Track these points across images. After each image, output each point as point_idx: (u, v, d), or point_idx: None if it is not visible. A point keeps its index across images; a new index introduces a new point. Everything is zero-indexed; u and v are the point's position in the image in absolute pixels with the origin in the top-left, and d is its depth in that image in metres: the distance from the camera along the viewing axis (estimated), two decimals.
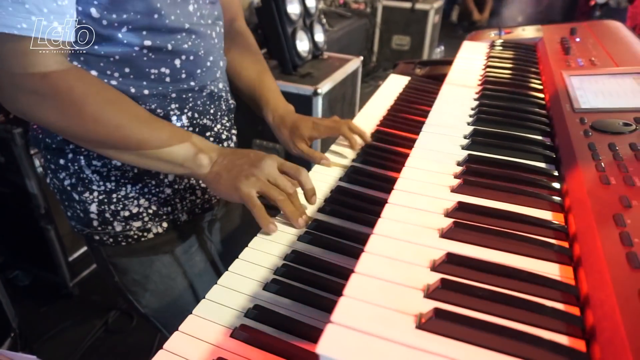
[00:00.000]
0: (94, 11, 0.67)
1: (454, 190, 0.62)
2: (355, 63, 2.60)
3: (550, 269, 0.48)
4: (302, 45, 2.34)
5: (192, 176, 0.79)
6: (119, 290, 0.95)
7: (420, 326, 0.40)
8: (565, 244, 0.51)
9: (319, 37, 2.50)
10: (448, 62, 1.58)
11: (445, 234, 0.52)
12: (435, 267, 0.47)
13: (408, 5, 4.56)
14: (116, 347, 1.89)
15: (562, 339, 0.39)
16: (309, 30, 2.41)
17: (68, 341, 1.88)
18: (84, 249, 2.03)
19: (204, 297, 0.62)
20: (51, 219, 1.85)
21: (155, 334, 1.88)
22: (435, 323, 0.39)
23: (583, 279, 0.44)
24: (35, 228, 1.85)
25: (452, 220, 0.54)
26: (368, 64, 4.55)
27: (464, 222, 0.53)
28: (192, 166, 0.73)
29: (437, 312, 0.39)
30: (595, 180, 0.55)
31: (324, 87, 2.22)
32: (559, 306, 0.42)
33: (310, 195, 0.78)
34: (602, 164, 0.58)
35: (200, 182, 0.93)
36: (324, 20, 2.98)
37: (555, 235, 0.52)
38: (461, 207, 0.56)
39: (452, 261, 0.46)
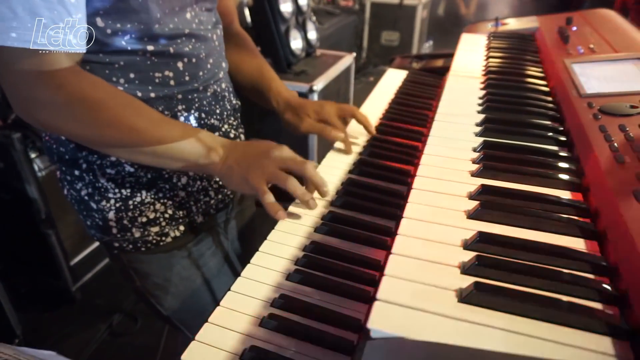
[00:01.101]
0: (99, 20, 0.70)
1: (475, 174, 0.64)
2: (348, 59, 2.62)
3: (576, 244, 0.50)
4: (296, 43, 2.35)
5: (205, 172, 0.80)
6: (141, 295, 0.96)
7: (462, 299, 0.42)
8: (588, 220, 0.53)
9: (312, 34, 2.51)
10: (443, 56, 1.61)
11: (472, 215, 0.54)
12: (467, 246, 0.49)
13: (396, 1, 4.59)
14: (122, 350, 1.88)
15: (596, 306, 0.41)
16: (302, 28, 2.42)
17: (73, 346, 1.87)
18: (86, 252, 2.03)
19: (222, 296, 0.63)
20: (52, 223, 1.84)
21: (161, 335, 1.88)
22: (477, 296, 0.41)
23: (610, 251, 0.46)
24: (36, 233, 1.84)
25: (476, 202, 0.56)
26: (358, 60, 4.57)
27: (489, 203, 0.55)
28: (205, 162, 0.74)
29: (478, 285, 0.42)
30: (611, 160, 0.58)
31: (319, 84, 2.23)
32: (589, 276, 0.45)
33: (320, 190, 0.79)
34: (615, 144, 0.61)
35: (213, 183, 0.94)
36: (314, 18, 3.00)
37: (577, 213, 0.55)
38: (485, 189, 0.58)
39: (483, 239, 0.49)
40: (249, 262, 0.70)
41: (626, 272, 0.42)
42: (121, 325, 1.96)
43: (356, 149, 0.98)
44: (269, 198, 0.72)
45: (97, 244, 2.06)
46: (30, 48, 0.61)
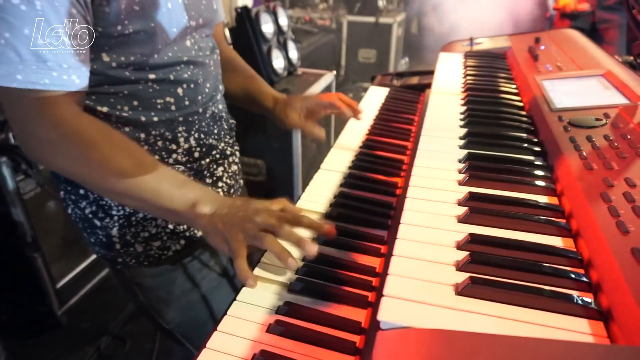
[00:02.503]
0: (104, 55, 0.74)
1: (462, 183, 0.70)
2: (329, 77, 2.70)
3: (554, 242, 0.57)
4: (278, 62, 2.41)
5: (189, 224, 0.78)
6: (144, 310, 0.99)
7: (460, 292, 0.47)
8: (563, 221, 0.60)
9: (293, 54, 2.59)
10: (421, 73, 1.70)
11: (463, 219, 0.61)
12: (460, 246, 0.55)
13: (372, 19, 4.74)
14: None
15: (573, 293, 0.48)
16: (283, 48, 2.49)
17: None
18: (72, 275, 2.01)
19: (222, 308, 0.67)
20: (38, 247, 1.82)
21: (150, 356, 1.87)
22: (472, 289, 0.47)
23: (583, 246, 0.53)
24: (21, 257, 1.81)
25: (465, 207, 0.62)
26: (337, 77, 4.68)
27: (477, 208, 0.61)
28: (189, 215, 0.72)
29: (473, 279, 0.47)
30: (581, 167, 0.65)
31: None
32: (567, 269, 0.51)
33: (324, 231, 0.73)
34: (584, 153, 0.68)
35: None
36: (293, 37, 3.09)
37: (554, 215, 0.62)
38: (472, 196, 0.65)
39: (474, 240, 0.55)
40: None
41: (598, 263, 0.48)
42: (109, 348, 1.94)
43: (346, 164, 1.04)
44: (242, 264, 0.68)
45: (82, 266, 2.05)
46: (37, 89, 0.64)
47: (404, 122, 1.21)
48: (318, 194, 0.91)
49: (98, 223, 0.88)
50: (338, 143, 1.12)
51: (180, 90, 0.84)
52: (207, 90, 0.90)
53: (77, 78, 0.68)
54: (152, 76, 0.79)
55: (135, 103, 0.80)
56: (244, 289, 0.72)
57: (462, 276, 0.50)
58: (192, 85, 0.86)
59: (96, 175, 0.71)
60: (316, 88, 2.51)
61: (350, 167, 1.02)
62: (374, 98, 1.45)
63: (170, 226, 0.91)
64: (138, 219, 0.88)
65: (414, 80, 1.62)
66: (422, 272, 0.51)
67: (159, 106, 0.82)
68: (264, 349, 0.60)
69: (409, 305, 0.46)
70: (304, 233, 0.76)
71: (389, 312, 0.45)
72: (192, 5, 0.82)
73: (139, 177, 0.71)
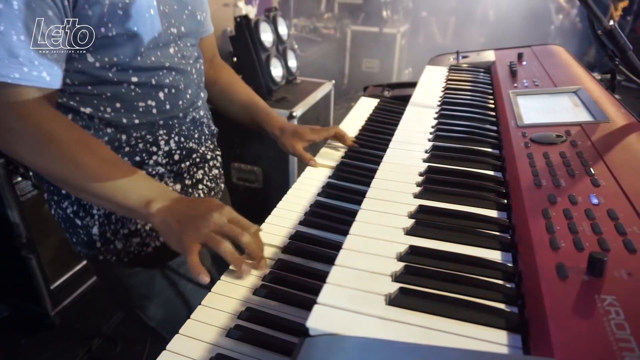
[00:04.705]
0: (89, 56, 0.78)
1: (417, 196, 0.72)
2: (327, 87, 2.73)
3: (495, 256, 0.58)
4: (276, 71, 2.45)
5: (144, 221, 0.80)
6: (126, 307, 1.02)
7: (389, 302, 0.49)
8: (507, 236, 0.62)
9: (292, 62, 2.63)
10: (413, 84, 1.72)
11: (409, 232, 0.62)
12: (400, 258, 0.57)
13: (376, 29, 4.78)
14: None
15: (500, 306, 0.49)
16: (282, 57, 2.53)
17: None
18: (66, 276, 2.04)
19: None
20: (33, 247, 1.86)
21: (141, 358, 1.89)
22: (401, 299, 0.49)
23: (519, 260, 0.54)
24: (16, 257, 1.85)
25: (414, 220, 0.64)
26: (340, 86, 4.72)
27: (424, 221, 0.63)
28: (143, 212, 0.73)
29: (402, 290, 0.49)
30: (531, 183, 0.66)
31: (299, 110, 2.33)
32: (499, 282, 0.53)
33: (256, 261, 0.74)
34: (537, 169, 0.70)
35: (194, 196, 1.01)
36: (296, 46, 3.13)
37: (500, 229, 0.63)
38: (422, 209, 0.66)
39: (413, 252, 0.57)
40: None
41: (526, 276, 0.50)
42: (100, 350, 1.96)
43: (326, 172, 1.06)
44: (194, 259, 0.69)
45: (77, 268, 2.08)
46: (6, 82, 0.67)
47: (388, 132, 1.23)
48: (295, 203, 0.94)
49: (79, 222, 0.91)
50: (321, 152, 1.16)
51: (161, 95, 0.88)
52: (188, 96, 0.94)
53: (48, 75, 0.71)
54: (134, 79, 0.83)
55: (118, 105, 0.84)
56: (209, 294, 0.75)
57: (397, 287, 0.52)
58: (173, 91, 0.90)
59: (52, 166, 0.73)
60: (314, 97, 2.54)
61: (329, 177, 1.04)
62: (363, 109, 1.47)
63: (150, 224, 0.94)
64: (118, 217, 0.91)
65: (406, 91, 1.65)
66: (359, 282, 0.53)
67: (140, 109, 0.86)
68: (220, 352, 0.63)
69: (340, 313, 0.48)
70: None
71: (319, 320, 0.47)
72: (173, 13, 0.86)
73: (96, 172, 0.73)
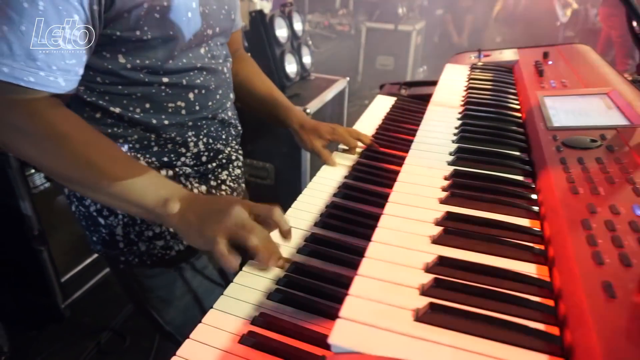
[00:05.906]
0: (120, 57, 0.75)
1: (443, 201, 0.68)
2: (342, 83, 2.69)
3: (529, 269, 0.54)
4: (290, 67, 2.42)
5: (161, 222, 0.76)
6: (144, 310, 0.99)
7: (418, 319, 0.46)
8: (542, 247, 0.58)
9: (307, 59, 2.59)
10: (431, 83, 1.68)
11: (436, 240, 0.58)
12: (428, 269, 0.53)
13: (391, 27, 4.72)
14: None
15: (539, 326, 0.45)
16: (297, 53, 2.50)
17: None
18: (76, 269, 2.04)
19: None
20: (44, 240, 1.86)
21: (149, 354, 1.89)
22: (431, 316, 0.45)
23: (556, 275, 0.50)
24: (27, 250, 1.85)
25: (441, 228, 0.60)
26: (354, 83, 4.68)
27: (453, 229, 0.59)
28: (160, 212, 0.71)
29: (432, 306, 0.45)
30: (567, 191, 0.62)
31: (312, 106, 2.30)
32: (536, 299, 0.49)
33: (285, 234, 0.75)
34: (572, 176, 0.65)
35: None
36: (310, 42, 3.10)
37: (532, 240, 0.59)
38: (449, 216, 0.62)
39: (443, 263, 0.53)
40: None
41: (567, 295, 0.46)
42: (109, 344, 1.96)
43: (342, 172, 1.03)
44: (221, 248, 0.67)
45: (88, 261, 2.08)
46: (20, 85, 0.64)
47: (406, 132, 1.19)
48: (310, 203, 0.91)
49: (102, 221, 0.88)
50: (338, 152, 1.12)
51: (191, 95, 0.86)
52: (218, 97, 0.92)
53: (64, 81, 0.69)
54: (165, 80, 0.81)
55: (147, 105, 0.82)
56: (221, 297, 0.72)
57: (426, 301, 0.48)
58: (203, 91, 0.87)
59: (64, 168, 0.71)
60: (328, 94, 2.50)
61: (345, 177, 1.01)
62: (380, 107, 1.43)
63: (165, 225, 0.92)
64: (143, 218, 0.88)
65: (423, 90, 1.60)
66: (385, 295, 0.49)
67: (170, 110, 0.84)
68: None
69: (364, 329, 0.45)
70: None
71: (342, 336, 0.43)
72: (211, 14, 0.84)
73: (105, 169, 0.70)
